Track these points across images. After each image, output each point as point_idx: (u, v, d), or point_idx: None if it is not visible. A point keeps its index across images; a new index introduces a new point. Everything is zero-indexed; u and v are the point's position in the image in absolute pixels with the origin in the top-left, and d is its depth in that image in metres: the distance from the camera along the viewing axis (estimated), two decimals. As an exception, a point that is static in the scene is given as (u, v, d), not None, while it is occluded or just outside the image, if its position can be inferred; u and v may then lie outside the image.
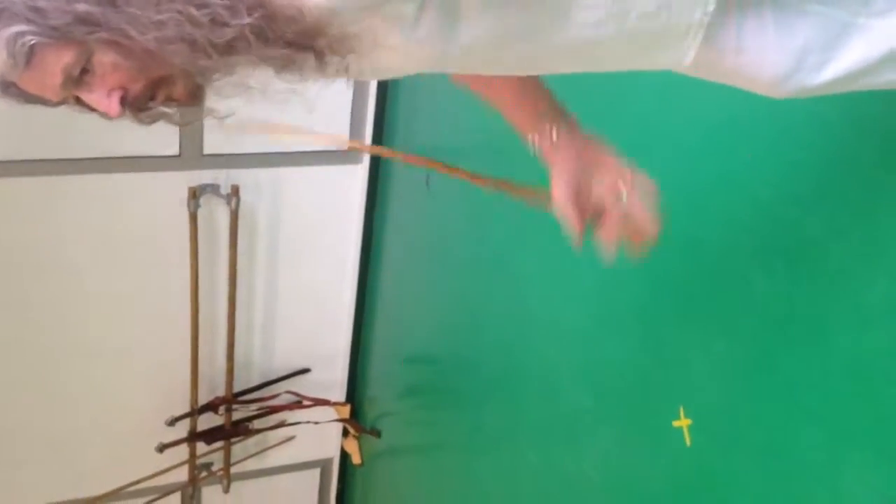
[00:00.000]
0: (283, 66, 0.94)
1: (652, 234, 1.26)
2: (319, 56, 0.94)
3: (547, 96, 1.27)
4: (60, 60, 0.89)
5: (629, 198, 1.23)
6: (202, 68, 0.92)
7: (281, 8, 0.89)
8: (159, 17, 0.86)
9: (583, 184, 1.26)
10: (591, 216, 1.25)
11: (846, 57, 1.00)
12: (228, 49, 0.90)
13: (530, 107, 1.27)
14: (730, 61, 1.04)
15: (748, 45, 1.02)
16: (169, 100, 0.97)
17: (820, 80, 1.02)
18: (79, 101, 0.97)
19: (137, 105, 0.96)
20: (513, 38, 0.98)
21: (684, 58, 1.02)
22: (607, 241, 1.26)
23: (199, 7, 0.87)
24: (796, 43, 1.01)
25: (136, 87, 0.94)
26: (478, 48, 0.99)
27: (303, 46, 0.92)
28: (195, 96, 0.98)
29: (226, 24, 0.87)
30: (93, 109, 0.98)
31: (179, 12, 0.86)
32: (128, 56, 0.90)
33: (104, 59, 0.90)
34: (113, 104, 0.94)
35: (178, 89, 0.96)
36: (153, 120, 1.01)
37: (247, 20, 0.87)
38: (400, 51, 0.97)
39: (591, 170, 1.27)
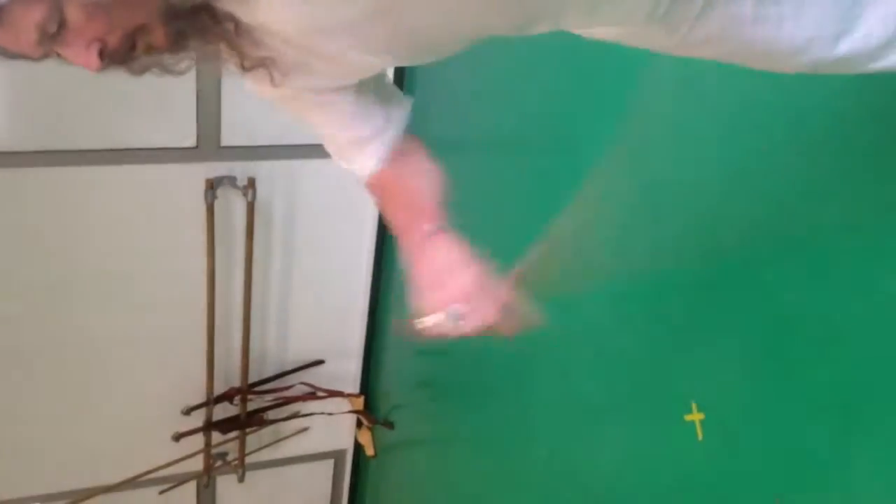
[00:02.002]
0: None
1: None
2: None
3: (436, 220, 1.28)
4: (32, 17, 0.87)
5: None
6: (171, 23, 0.92)
7: None
8: None
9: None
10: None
11: (860, 29, 1.00)
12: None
13: (416, 229, 1.27)
14: (746, 32, 1.03)
15: (764, 15, 1.02)
16: (150, 49, 0.95)
17: (836, 54, 1.02)
18: (61, 56, 0.95)
19: (118, 57, 0.94)
20: None
21: None
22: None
23: None
24: (813, 14, 1.01)
25: (114, 39, 0.92)
26: None
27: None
28: (177, 43, 0.96)
29: None
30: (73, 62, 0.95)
31: None
32: (95, 7, 0.88)
33: (75, 11, 0.88)
34: (91, 57, 0.92)
35: (158, 37, 0.94)
36: (143, 69, 0.99)
37: None
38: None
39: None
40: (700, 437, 1.97)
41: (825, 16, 1.01)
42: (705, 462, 1.98)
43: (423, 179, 1.27)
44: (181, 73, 1.03)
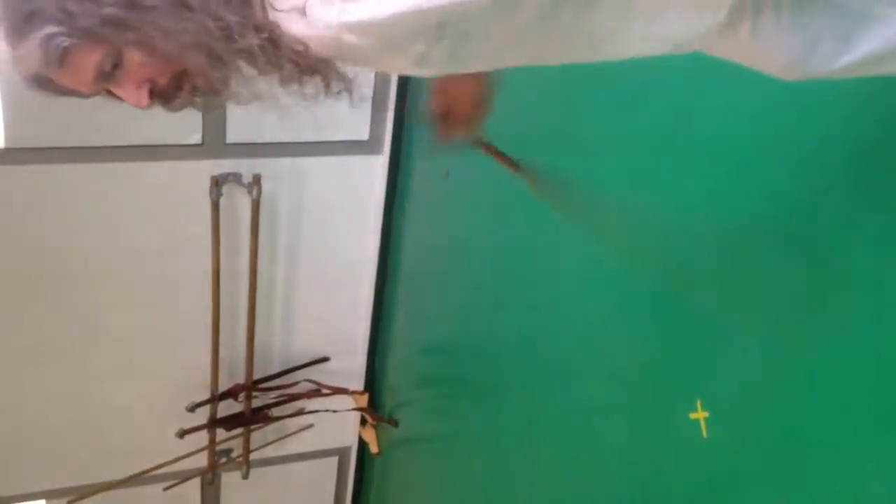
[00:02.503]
0: (288, 81, 1.03)
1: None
2: (324, 79, 1.04)
3: None
4: (91, 59, 0.96)
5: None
6: (217, 72, 0.99)
7: (287, 38, 0.97)
8: (182, 24, 0.94)
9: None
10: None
11: (861, 47, 1.00)
12: (238, 58, 0.98)
13: None
14: (744, 45, 1.04)
15: (762, 30, 1.02)
16: (194, 90, 1.03)
17: (833, 68, 1.02)
18: (110, 93, 1.04)
19: (165, 96, 1.03)
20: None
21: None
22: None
23: (215, 20, 0.94)
24: (810, 31, 1.01)
25: (163, 80, 1.01)
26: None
27: (307, 69, 1.02)
28: (220, 87, 1.03)
29: (236, 39, 0.96)
30: (123, 100, 1.04)
31: (199, 22, 0.94)
32: (153, 54, 0.97)
33: (132, 56, 0.97)
34: (142, 96, 1.01)
35: (203, 81, 1.02)
36: (181, 107, 1.08)
37: (255, 40, 0.96)
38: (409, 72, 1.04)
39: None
40: (705, 434, 1.97)
41: (823, 34, 1.01)
42: (710, 460, 1.98)
43: None
44: (211, 110, 1.14)
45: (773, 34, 1.02)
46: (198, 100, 1.07)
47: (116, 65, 0.97)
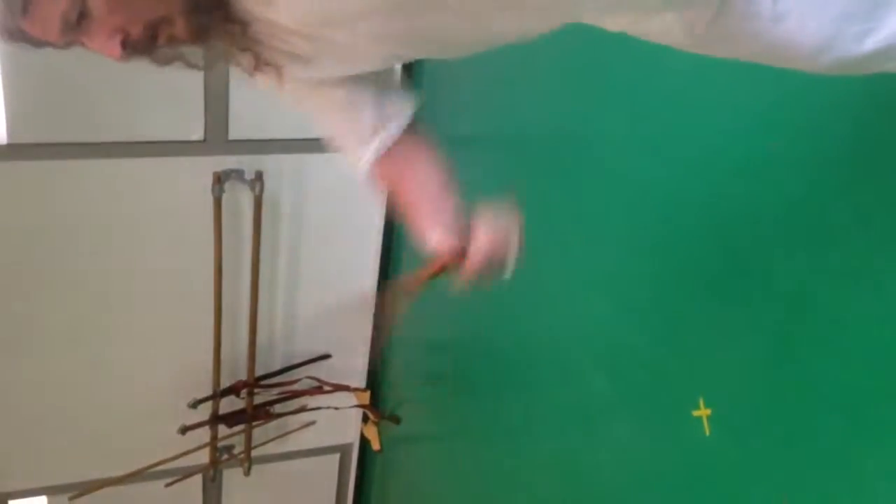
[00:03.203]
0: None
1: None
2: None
3: (450, 209, 1.31)
4: (56, 8, 0.91)
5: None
6: (190, 18, 0.95)
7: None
8: None
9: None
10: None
11: (886, 26, 0.98)
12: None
13: (436, 215, 1.31)
14: (767, 31, 1.02)
15: (787, 13, 1.00)
16: (172, 40, 0.98)
17: (861, 51, 1.00)
18: (85, 45, 0.98)
19: (141, 47, 0.97)
20: None
21: None
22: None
23: None
24: (836, 10, 0.99)
25: (136, 29, 0.95)
26: None
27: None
28: (199, 36, 0.98)
29: None
30: (99, 52, 0.98)
31: None
32: (118, 1, 0.92)
33: (98, 4, 0.91)
34: (114, 47, 0.95)
35: (179, 29, 0.97)
36: (168, 61, 1.02)
37: None
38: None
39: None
40: (707, 432, 1.97)
41: (848, 13, 0.99)
42: (712, 458, 1.98)
43: (424, 171, 1.29)
44: (203, 68, 1.06)
45: (797, 13, 1.00)
46: (190, 53, 1.02)
47: (83, 14, 0.92)
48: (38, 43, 0.97)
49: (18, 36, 0.95)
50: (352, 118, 1.22)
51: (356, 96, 1.20)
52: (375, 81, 1.20)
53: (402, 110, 1.25)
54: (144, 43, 0.96)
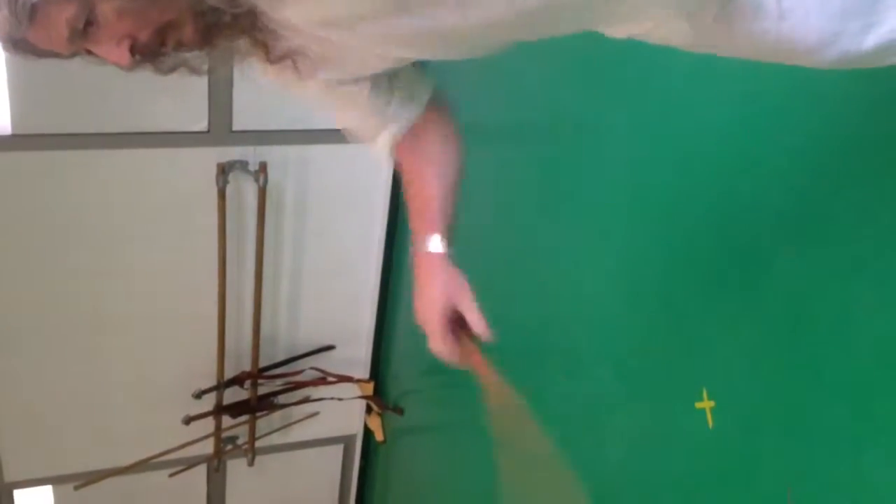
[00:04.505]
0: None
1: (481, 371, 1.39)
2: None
3: (450, 208, 1.32)
4: (63, 14, 0.89)
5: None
6: (200, 22, 0.93)
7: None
8: None
9: (445, 309, 1.36)
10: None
11: (889, 20, 0.98)
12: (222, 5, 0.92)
13: (435, 204, 1.30)
14: (772, 29, 1.02)
15: (791, 9, 1.00)
16: (180, 45, 0.97)
17: (864, 46, 1.01)
18: (90, 53, 0.97)
19: (148, 53, 0.96)
20: None
21: None
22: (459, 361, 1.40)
23: None
24: (838, 6, 0.99)
25: (144, 35, 0.94)
26: None
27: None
28: (206, 40, 0.97)
29: None
30: (105, 60, 0.97)
31: None
32: (127, 3, 0.90)
33: (106, 10, 0.90)
34: (123, 54, 0.94)
35: (188, 33, 0.95)
36: (173, 68, 1.01)
37: None
38: None
39: (452, 302, 1.36)
40: (711, 424, 1.97)
41: (850, 9, 0.99)
42: (716, 450, 1.98)
43: (437, 160, 1.27)
44: (211, 72, 1.05)
45: (801, 9, 1.00)
46: (193, 58, 1.01)
47: (91, 21, 0.90)
48: (42, 53, 0.95)
49: (22, 46, 0.94)
50: (370, 104, 1.20)
51: (372, 83, 1.18)
52: (390, 71, 1.19)
53: (419, 91, 1.24)
54: (152, 49, 0.95)
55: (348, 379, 4.12)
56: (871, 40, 1.00)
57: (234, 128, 3.47)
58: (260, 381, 4.00)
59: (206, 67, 1.04)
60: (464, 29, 0.98)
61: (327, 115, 1.26)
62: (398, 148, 1.25)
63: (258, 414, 4.08)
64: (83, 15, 0.90)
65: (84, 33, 0.91)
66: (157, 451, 3.81)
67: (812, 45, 1.03)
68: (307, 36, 1.01)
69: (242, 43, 1.00)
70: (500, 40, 1.08)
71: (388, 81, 1.19)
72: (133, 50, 0.94)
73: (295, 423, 4.25)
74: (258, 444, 4.20)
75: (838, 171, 1.63)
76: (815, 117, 1.67)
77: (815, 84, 1.62)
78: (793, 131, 1.73)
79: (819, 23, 1.00)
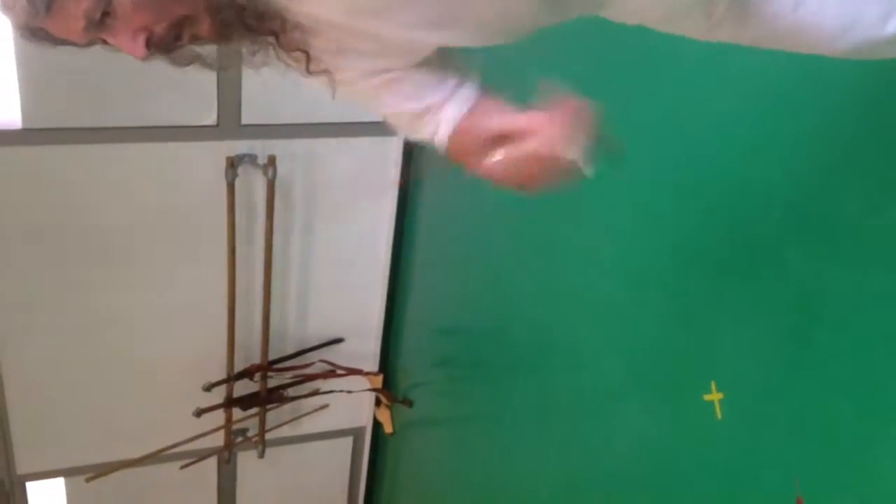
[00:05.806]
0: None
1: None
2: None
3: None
4: (80, 5, 0.90)
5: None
6: (217, 17, 0.93)
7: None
8: None
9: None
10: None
11: None
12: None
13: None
14: (787, 15, 1.01)
15: None
16: (195, 39, 0.97)
17: (882, 34, 0.99)
18: (106, 43, 0.97)
19: (164, 46, 0.96)
20: None
21: None
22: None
23: None
24: None
25: (160, 28, 0.94)
26: None
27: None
28: (222, 35, 0.97)
29: None
30: (120, 50, 0.98)
31: None
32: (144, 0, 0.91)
33: (123, 2, 0.91)
34: (138, 46, 0.94)
35: (204, 28, 0.96)
36: (187, 61, 1.01)
37: None
38: None
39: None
40: (719, 416, 1.97)
41: None
42: (724, 442, 1.98)
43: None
44: (224, 69, 1.05)
45: (817, 5, 0.99)
46: (206, 54, 1.00)
47: (107, 12, 0.91)
48: (58, 41, 0.96)
49: (39, 34, 0.95)
50: (415, 96, 1.15)
51: (414, 75, 1.13)
52: (431, 59, 1.15)
53: (468, 77, 1.19)
54: (168, 42, 0.95)
55: (358, 371, 4.13)
56: (891, 28, 0.99)
57: (243, 121, 3.47)
58: (270, 373, 4.01)
59: (221, 63, 1.04)
60: (488, 13, 0.97)
61: (370, 109, 1.21)
62: (454, 136, 1.19)
63: (268, 406, 4.10)
64: (100, 6, 0.90)
65: (100, 24, 0.92)
66: (168, 444, 3.83)
67: (828, 32, 1.02)
68: (340, 28, 1.00)
69: (264, 41, 0.99)
70: (525, 24, 1.05)
71: (434, 69, 1.15)
72: (149, 42, 0.94)
73: (304, 415, 4.26)
74: (268, 436, 4.21)
75: (847, 164, 1.63)
76: (824, 110, 1.66)
77: (822, 76, 1.62)
78: (801, 124, 1.73)
79: (836, 10, 0.99)
